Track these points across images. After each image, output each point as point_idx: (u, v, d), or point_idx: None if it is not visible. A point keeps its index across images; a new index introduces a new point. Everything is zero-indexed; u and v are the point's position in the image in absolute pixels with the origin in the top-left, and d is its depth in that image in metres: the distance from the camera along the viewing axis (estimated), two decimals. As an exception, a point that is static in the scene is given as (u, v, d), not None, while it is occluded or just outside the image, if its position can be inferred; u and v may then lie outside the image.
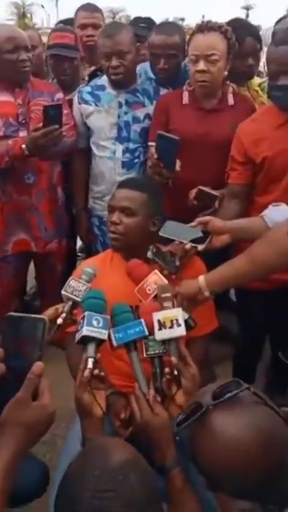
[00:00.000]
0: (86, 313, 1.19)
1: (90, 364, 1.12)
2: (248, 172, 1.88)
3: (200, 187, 1.91)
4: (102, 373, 1.15)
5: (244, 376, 1.08)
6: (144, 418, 1.13)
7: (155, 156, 1.91)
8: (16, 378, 0.87)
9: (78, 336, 1.17)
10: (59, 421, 0.99)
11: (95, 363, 1.14)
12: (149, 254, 1.56)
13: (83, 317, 1.19)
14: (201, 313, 1.53)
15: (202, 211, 1.94)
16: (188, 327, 1.39)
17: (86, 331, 1.15)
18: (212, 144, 2.04)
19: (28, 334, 0.90)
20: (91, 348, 1.15)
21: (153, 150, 1.96)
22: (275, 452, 0.81)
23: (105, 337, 1.17)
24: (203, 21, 1.97)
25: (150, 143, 2.22)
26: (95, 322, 1.17)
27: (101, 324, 1.17)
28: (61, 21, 3.49)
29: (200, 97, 2.08)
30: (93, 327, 1.16)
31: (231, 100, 2.09)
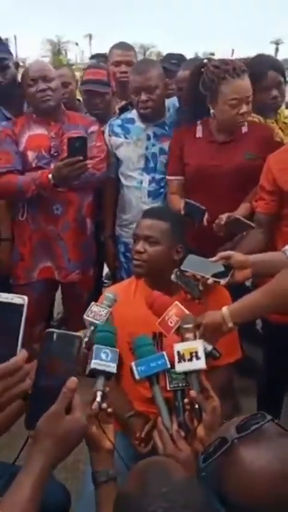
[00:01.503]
0: (95, 346, 1.19)
1: (98, 398, 1.12)
2: (274, 202, 1.90)
3: (237, 215, 1.92)
4: (110, 410, 1.14)
5: (269, 409, 1.07)
6: (167, 453, 1.11)
7: (182, 212, 1.98)
8: (48, 396, 0.89)
9: (87, 369, 1.18)
10: (82, 446, 1.00)
11: (104, 396, 1.14)
12: (173, 277, 1.56)
13: (92, 350, 1.19)
14: (225, 342, 1.52)
15: (224, 240, 1.96)
16: (213, 357, 1.39)
17: (93, 364, 1.15)
18: (226, 175, 2.08)
19: (63, 349, 0.93)
20: (100, 381, 1.16)
21: (181, 206, 2.01)
22: None
23: (114, 370, 1.17)
24: (234, 65, 1.97)
25: (168, 177, 2.30)
26: (103, 356, 1.17)
27: (109, 357, 1.17)
28: (94, 56, 3.67)
29: (214, 130, 2.13)
30: (101, 360, 1.16)
31: (244, 128, 2.13)
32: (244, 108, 1.98)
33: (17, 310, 0.87)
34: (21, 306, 0.87)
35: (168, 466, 0.86)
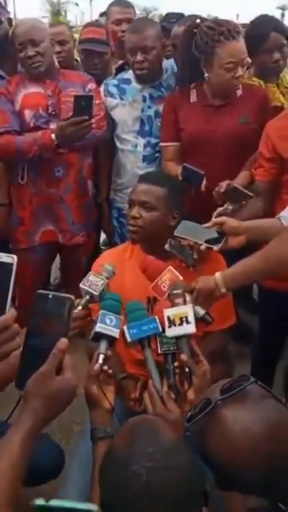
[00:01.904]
0: (101, 311, 1.23)
1: (100, 360, 1.17)
2: (273, 170, 1.87)
3: (235, 184, 1.89)
4: (110, 371, 1.18)
5: (262, 376, 1.09)
6: (157, 414, 1.13)
7: (180, 178, 1.94)
8: (38, 356, 0.89)
9: (92, 333, 1.22)
10: (76, 407, 1.02)
11: (106, 359, 1.17)
12: (167, 246, 1.56)
13: (98, 315, 1.23)
14: (219, 308, 1.53)
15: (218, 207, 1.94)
16: (205, 322, 1.40)
17: (98, 327, 1.20)
18: (222, 140, 2.04)
19: (55, 311, 0.93)
20: (103, 345, 1.20)
21: (178, 171, 1.97)
22: (285, 443, 0.82)
23: (117, 335, 1.21)
24: (229, 26, 1.91)
25: (162, 144, 2.23)
26: (108, 321, 1.21)
27: (113, 323, 1.21)
28: (103, 13, 3.53)
29: (210, 94, 2.08)
30: (106, 324, 1.20)
31: (239, 91, 2.08)
32: (240, 72, 1.93)
33: (7, 269, 0.86)
34: (11, 264, 0.87)
35: (158, 426, 0.87)
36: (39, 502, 0.78)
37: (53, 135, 2.11)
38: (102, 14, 3.56)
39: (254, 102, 2.06)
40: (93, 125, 2.12)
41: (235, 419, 0.84)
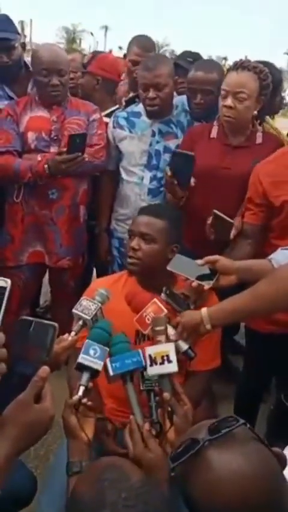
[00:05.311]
0: (86, 341, 1.21)
1: (80, 392, 1.15)
2: (262, 213, 1.87)
3: (215, 210, 1.86)
4: (90, 403, 1.16)
5: (245, 417, 1.06)
6: (136, 453, 1.10)
7: (169, 173, 1.94)
8: (19, 382, 0.88)
9: (75, 363, 1.20)
10: (55, 437, 1.00)
11: (86, 391, 1.15)
12: (163, 296, 1.53)
13: (83, 344, 1.21)
14: (206, 349, 1.52)
15: (221, 244, 1.94)
16: (188, 357, 1.39)
17: (81, 358, 1.18)
18: (232, 180, 2.05)
19: (37, 338, 0.94)
20: (85, 377, 1.18)
21: (167, 168, 1.98)
22: (273, 489, 0.79)
23: (100, 368, 1.19)
24: (240, 59, 2.00)
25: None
26: (92, 352, 1.19)
27: (97, 354, 1.19)
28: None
29: (227, 132, 2.11)
30: (89, 356, 1.18)
31: (259, 139, 2.11)
32: (228, 101, 1.95)
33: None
34: (4, 288, 0.86)
35: (125, 468, 0.84)
36: None
37: (45, 166, 2.17)
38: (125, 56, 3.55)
39: (270, 149, 2.05)
40: (87, 158, 2.19)
41: (223, 462, 0.80)
